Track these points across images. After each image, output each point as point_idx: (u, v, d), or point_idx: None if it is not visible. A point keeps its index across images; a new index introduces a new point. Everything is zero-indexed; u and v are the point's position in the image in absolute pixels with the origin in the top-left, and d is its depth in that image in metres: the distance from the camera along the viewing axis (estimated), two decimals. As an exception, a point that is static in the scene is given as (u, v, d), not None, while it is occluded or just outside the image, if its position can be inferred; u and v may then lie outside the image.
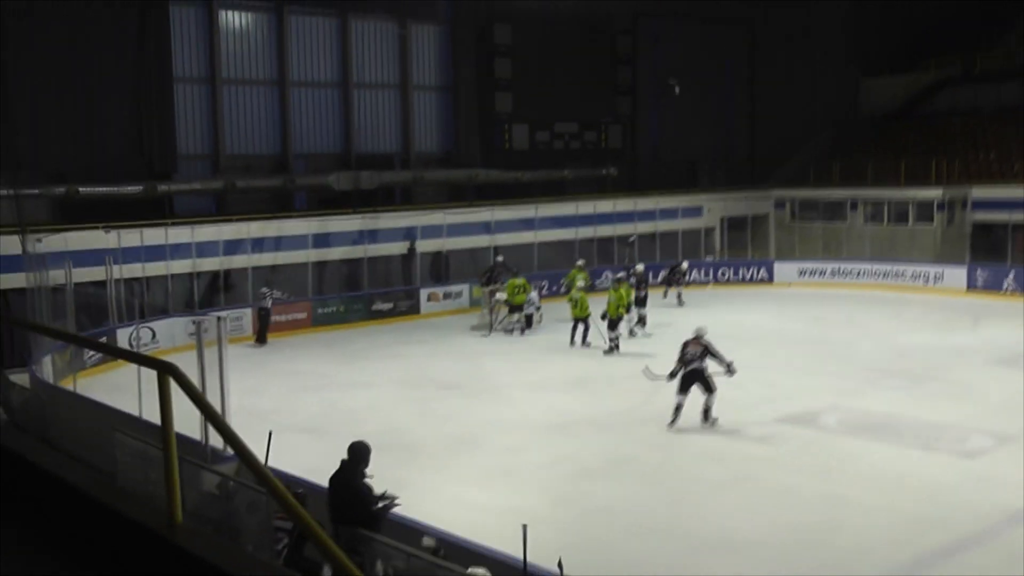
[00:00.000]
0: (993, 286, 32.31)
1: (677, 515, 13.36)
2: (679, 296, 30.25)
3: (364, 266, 31.26)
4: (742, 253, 39.10)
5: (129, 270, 26.23)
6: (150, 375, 4.04)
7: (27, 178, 26.96)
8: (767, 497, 14.06)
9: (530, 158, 37.78)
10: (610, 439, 16.97)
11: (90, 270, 25.02)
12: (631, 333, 26.34)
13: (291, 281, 29.52)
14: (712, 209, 39.64)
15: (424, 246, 32.25)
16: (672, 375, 17.83)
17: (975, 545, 12.28)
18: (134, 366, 8.42)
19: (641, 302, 27.60)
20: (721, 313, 26.47)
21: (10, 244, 24.28)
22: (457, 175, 36.26)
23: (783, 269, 36.55)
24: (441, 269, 32.81)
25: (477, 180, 36.17)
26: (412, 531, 10.33)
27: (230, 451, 11.65)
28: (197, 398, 3.82)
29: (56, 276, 23.11)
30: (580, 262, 30.45)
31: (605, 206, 36.59)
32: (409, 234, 32.10)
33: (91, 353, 21.95)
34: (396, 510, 10.24)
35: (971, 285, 32.85)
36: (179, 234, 27.59)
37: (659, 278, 31.93)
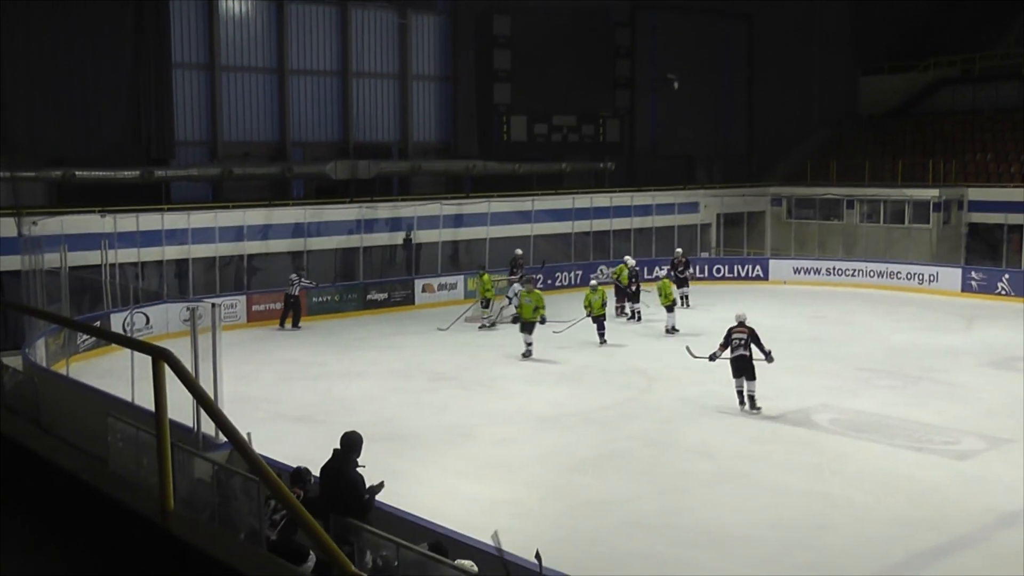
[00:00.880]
0: (988, 288, 32.34)
1: (668, 510, 13.38)
2: (686, 298, 29.87)
3: (360, 256, 31.24)
4: (738, 250, 39.13)
5: (124, 255, 26.21)
6: (143, 360, 4.04)
7: (24, 161, 26.95)
8: (758, 495, 14.09)
9: (528, 150, 37.75)
10: (603, 433, 17.00)
11: (85, 254, 25.01)
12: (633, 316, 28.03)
13: (287, 269, 29.49)
14: (709, 205, 39.66)
15: (420, 237, 32.23)
16: (712, 357, 18.67)
17: (965, 546, 12.32)
18: (127, 351, 8.40)
19: (634, 296, 27.85)
20: (716, 310, 26.47)
21: (6, 227, 24.29)
22: (455, 166, 36.24)
23: (778, 267, 36.56)
24: (437, 260, 32.79)
25: (474, 171, 36.15)
26: (403, 522, 10.35)
27: (222, 438, 11.67)
28: (191, 384, 3.82)
29: (51, 259, 23.12)
30: (628, 259, 30.00)
31: (602, 200, 36.58)
32: (406, 225, 32.08)
33: (84, 337, 21.93)
34: (388, 501, 10.28)
35: (966, 286, 32.88)
36: (175, 220, 27.57)
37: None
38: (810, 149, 43.01)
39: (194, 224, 27.79)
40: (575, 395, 19.89)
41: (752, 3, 43.09)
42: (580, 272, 35.04)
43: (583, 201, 36.20)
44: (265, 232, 29.57)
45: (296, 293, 27.45)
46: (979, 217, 36.15)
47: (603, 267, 33.43)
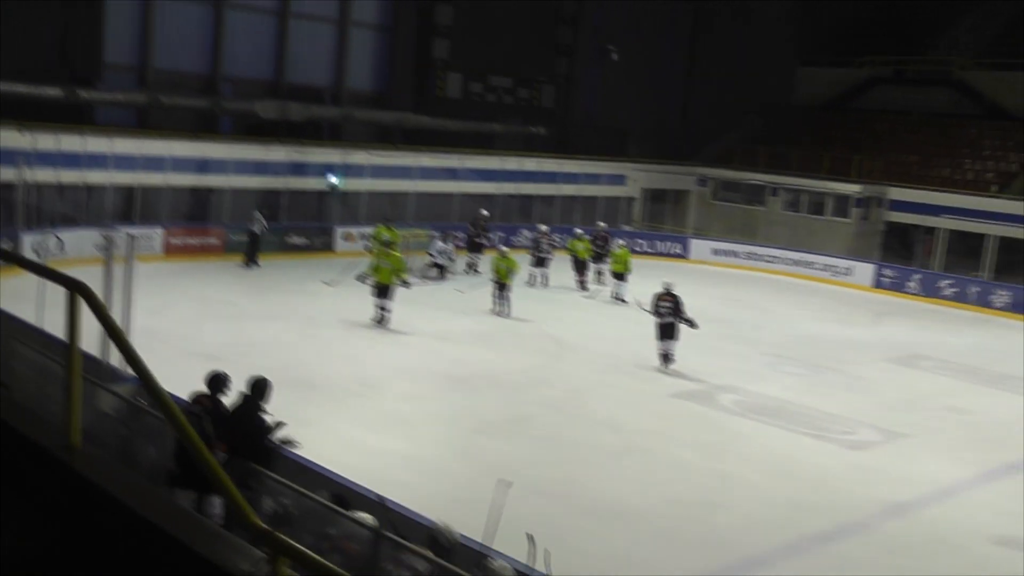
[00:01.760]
0: (898, 286, 33.08)
1: (569, 479, 13.54)
2: (600, 274, 29.84)
3: (284, 198, 30.91)
4: (660, 226, 39.47)
5: (42, 175, 25.60)
6: (54, 286, 3.98)
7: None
8: (658, 470, 14.34)
9: (461, 108, 37.56)
10: (510, 397, 17.12)
11: (1, 170, 24.39)
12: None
13: (208, 206, 29.14)
14: (636, 179, 39.90)
15: (345, 185, 31.97)
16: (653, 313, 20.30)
17: (853, 533, 12.67)
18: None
19: (541, 262, 28.66)
20: (632, 284, 26.68)
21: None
22: (386, 117, 35.93)
23: (698, 246, 36.99)
24: (359, 209, 32.56)
25: (406, 124, 35.88)
26: (305, 470, 10.34)
27: (130, 371, 11.53)
28: (104, 317, 3.78)
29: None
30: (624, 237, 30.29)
31: (530, 164, 36.62)
32: (331, 171, 31.78)
33: (-7, 257, 21.41)
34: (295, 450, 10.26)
35: (878, 282, 33.59)
36: (97, 144, 26.95)
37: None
38: (742, 133, 43.36)
39: (117, 150, 27.21)
40: (486, 357, 19.97)
41: (699, -16, 43.24)
42: (502, 234, 35.07)
43: (512, 163, 36.19)
44: (189, 165, 29.06)
45: (256, 231, 27.86)
46: (898, 216, 36.84)
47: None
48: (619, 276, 27.11)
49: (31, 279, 13.78)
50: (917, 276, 33.11)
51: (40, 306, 13.73)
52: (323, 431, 13.57)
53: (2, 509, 3.38)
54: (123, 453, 9.73)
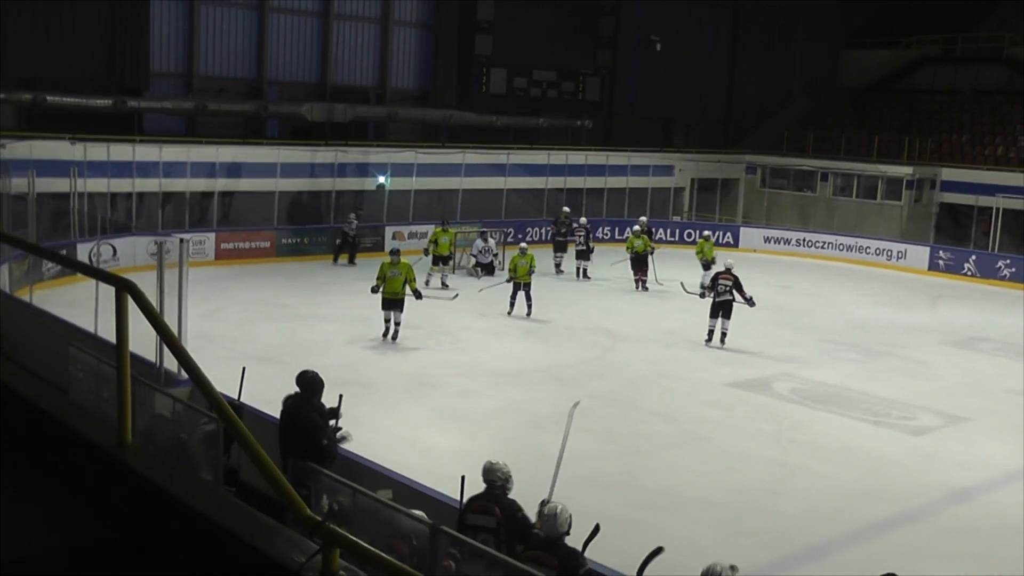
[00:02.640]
0: (954, 268, 32.61)
1: (625, 470, 13.46)
2: (559, 265, 29.50)
3: (332, 199, 31.07)
4: (710, 216, 39.22)
5: (94, 184, 25.92)
6: (108, 292, 3.99)
7: (-6, 82, 26.54)
8: (716, 459, 14.21)
9: (506, 103, 37.52)
10: (565, 391, 17.00)
11: (54, 180, 24.71)
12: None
13: (257, 209, 29.35)
14: (684, 169, 39.67)
15: (393, 184, 32.07)
16: (702, 295, 21.61)
17: (915, 520, 12.49)
18: (92, 281, 8.30)
19: (581, 254, 28.56)
20: (684, 274, 26.50)
21: (-27, 148, 23.91)
22: (432, 114, 35.99)
23: (749, 234, 36.70)
24: (409, 208, 32.64)
25: (451, 121, 35.93)
26: (362, 468, 10.35)
27: (184, 374, 11.61)
28: (154, 318, 3.78)
29: (19, 184, 22.80)
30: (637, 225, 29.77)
31: (577, 158, 36.53)
32: (379, 171, 31.90)
33: (49, 265, 21.72)
34: (348, 447, 10.28)
35: (933, 265, 33.13)
36: (147, 152, 27.26)
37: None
38: (788, 119, 43.02)
39: (166, 158, 27.50)
40: (539, 351, 19.92)
41: (740, -31, 42.91)
42: (551, 228, 35.01)
43: (558, 157, 36.14)
44: (238, 170, 29.30)
45: (353, 232, 28.45)
46: (951, 197, 36.36)
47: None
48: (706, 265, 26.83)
49: (87, 289, 13.92)
50: (973, 257, 32.61)
51: (96, 313, 13.95)
52: (378, 430, 13.59)
53: (58, 505, 3.39)
54: (179, 454, 9.78)
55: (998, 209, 33.84)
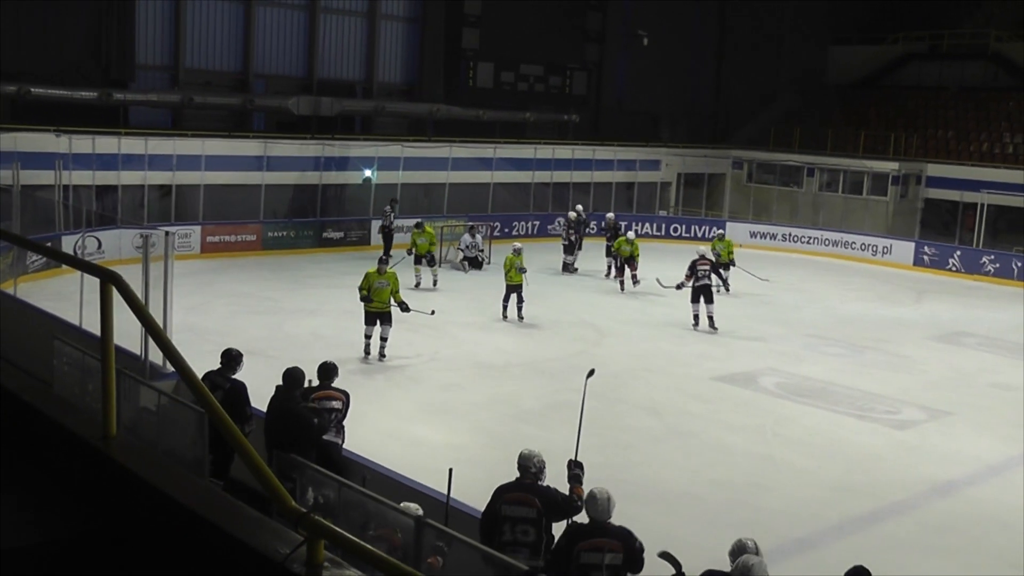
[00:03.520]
0: (939, 263, 32.71)
1: (610, 464, 13.46)
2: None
3: (318, 193, 31.02)
4: (696, 211, 39.26)
5: (79, 177, 25.84)
6: (93, 284, 3.98)
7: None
8: (701, 453, 14.25)
9: (493, 97, 37.50)
10: (549, 384, 17.07)
11: (38, 172, 24.63)
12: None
13: (243, 203, 29.28)
14: (670, 164, 39.71)
15: (380, 178, 32.03)
16: (679, 287, 22.00)
17: (899, 513, 12.54)
18: (77, 274, 8.28)
19: (568, 249, 28.30)
20: (670, 269, 26.54)
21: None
22: (418, 108, 35.95)
23: (735, 230, 36.71)
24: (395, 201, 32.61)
25: (438, 115, 35.89)
26: (346, 461, 10.37)
27: (170, 367, 11.61)
28: (139, 310, 3.77)
29: (3, 176, 22.74)
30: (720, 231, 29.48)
31: (564, 152, 36.54)
32: (365, 164, 31.86)
33: (34, 257, 21.64)
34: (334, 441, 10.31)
35: (918, 260, 33.25)
36: (132, 145, 27.17)
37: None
38: (775, 115, 43.11)
39: (152, 150, 27.41)
40: (524, 345, 19.94)
41: (727, -36, 42.95)
42: (537, 223, 35.07)
43: (545, 152, 36.14)
44: (223, 163, 29.22)
45: (388, 224, 28.31)
46: (936, 193, 36.50)
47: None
48: (725, 266, 26.22)
49: (72, 282, 13.85)
50: (958, 253, 32.74)
51: (81, 306, 13.92)
52: (363, 423, 13.58)
53: (42, 498, 3.39)
54: (164, 446, 9.78)
55: (983, 205, 33.99)
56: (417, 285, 24.42)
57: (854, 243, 34.80)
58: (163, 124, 30.51)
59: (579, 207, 30.33)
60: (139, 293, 8.48)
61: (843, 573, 7.37)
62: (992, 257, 32.00)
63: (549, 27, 38.67)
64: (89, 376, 10.88)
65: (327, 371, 10.66)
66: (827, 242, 35.32)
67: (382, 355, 17.85)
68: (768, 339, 21.37)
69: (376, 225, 31.20)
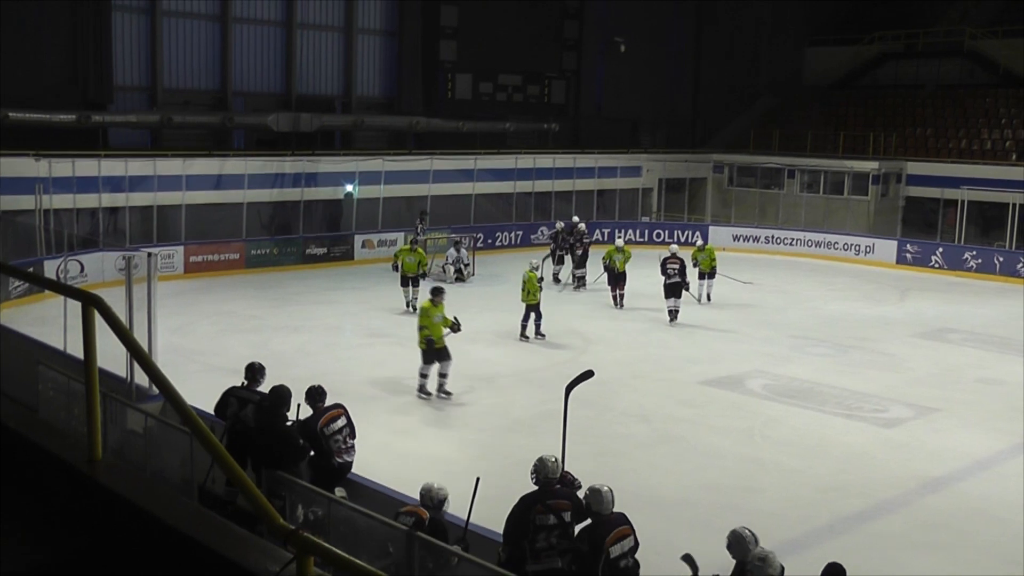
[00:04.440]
0: (922, 261, 32.87)
1: (600, 471, 13.40)
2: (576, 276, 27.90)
3: (300, 209, 30.98)
4: (678, 216, 39.34)
5: (59, 200, 25.74)
6: (77, 309, 3.97)
7: (-45, 101, 26.29)
8: (691, 458, 14.27)
9: (472, 108, 37.52)
10: (538, 394, 17.05)
11: (18, 198, 24.55)
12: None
13: (225, 221, 29.20)
14: (651, 169, 39.79)
15: (361, 192, 32.00)
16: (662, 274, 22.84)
17: (889, 511, 12.57)
18: (60, 298, 8.24)
19: (581, 262, 27.68)
20: (654, 274, 26.60)
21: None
22: (398, 122, 35.94)
23: (718, 233, 36.82)
24: (378, 216, 32.58)
25: (418, 128, 35.89)
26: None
27: (156, 389, 11.57)
28: (122, 333, 3.76)
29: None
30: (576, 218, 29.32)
31: (545, 161, 36.58)
32: (347, 179, 31.83)
33: (16, 283, 21.55)
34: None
35: (901, 258, 33.39)
36: (113, 167, 27.07)
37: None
38: (754, 117, 43.27)
39: (132, 172, 27.33)
40: (511, 355, 19.93)
41: (701, -31, 43.12)
42: (520, 232, 35.10)
43: (526, 161, 36.16)
44: (204, 182, 29.13)
45: (422, 237, 27.81)
46: (916, 191, 36.68)
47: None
48: (708, 275, 25.61)
49: (55, 306, 13.80)
50: (940, 250, 32.90)
51: (64, 330, 13.86)
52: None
53: (28, 523, 3.37)
54: (152, 468, 9.75)
55: (963, 201, 34.17)
56: (409, 306, 23.43)
57: (836, 243, 34.94)
58: (143, 145, 30.42)
59: (575, 218, 29.95)
60: (123, 316, 8.46)
61: (819, 572, 7.47)
62: (974, 253, 32.17)
63: (526, 36, 38.74)
64: (74, 400, 10.85)
65: (319, 394, 10.58)
66: (810, 243, 35.45)
67: (440, 390, 16.75)
68: (754, 341, 21.42)
69: (359, 240, 31.18)
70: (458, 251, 28.37)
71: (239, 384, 10.61)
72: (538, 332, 21.20)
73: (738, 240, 36.29)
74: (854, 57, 43.53)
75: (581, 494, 8.33)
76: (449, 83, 37.17)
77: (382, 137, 36.46)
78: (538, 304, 21.15)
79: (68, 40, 28.97)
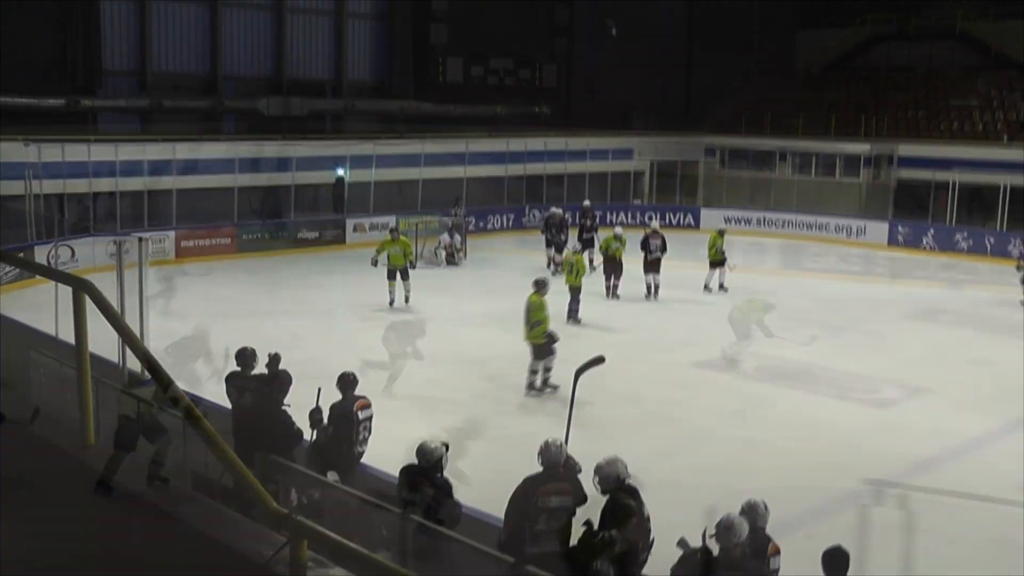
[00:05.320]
0: (913, 242, 32.91)
1: (592, 453, 13.43)
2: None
3: (291, 193, 30.89)
4: (670, 199, 39.29)
5: (49, 185, 25.64)
6: (68, 294, 3.96)
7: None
8: (682, 439, 14.29)
9: (463, 92, 37.47)
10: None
11: (8, 183, 24.46)
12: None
13: (217, 206, 29.12)
14: (643, 152, 39.73)
15: (352, 176, 31.92)
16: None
17: (880, 492, 12.56)
18: (51, 284, 8.21)
19: (550, 244, 27.48)
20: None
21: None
22: (389, 105, 35.87)
23: (710, 216, 36.80)
24: (369, 200, 32.51)
25: (409, 111, 35.81)
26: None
27: (148, 375, 11.54)
28: (113, 318, 3.75)
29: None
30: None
31: (536, 144, 36.48)
32: (338, 163, 31.75)
33: (7, 269, 21.49)
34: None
35: (892, 240, 33.42)
36: (102, 152, 26.96)
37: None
38: (746, 100, 43.18)
39: (122, 156, 27.22)
40: (504, 338, 19.83)
41: (693, -48, 43.00)
42: (512, 216, 35.05)
43: (517, 144, 36.06)
44: (195, 167, 29.04)
45: (461, 223, 27.89)
46: (908, 173, 36.65)
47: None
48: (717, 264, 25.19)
49: (46, 292, 13.76)
50: (931, 231, 32.94)
51: (56, 316, 13.80)
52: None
53: (24, 509, 3.37)
54: (146, 453, 9.74)
55: (954, 183, 34.13)
56: (391, 304, 22.63)
57: (828, 225, 34.97)
58: (132, 129, 30.30)
59: (586, 202, 29.47)
60: (114, 301, 8.43)
61: (821, 553, 7.47)
62: (965, 234, 32.21)
63: (517, 20, 38.65)
64: (67, 386, 10.81)
65: (352, 381, 10.59)
66: (801, 225, 35.47)
67: (545, 385, 16.52)
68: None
69: (351, 224, 31.12)
70: (451, 236, 28.32)
71: (236, 371, 10.56)
72: (575, 318, 21.10)
73: (730, 222, 36.12)
74: (846, 39, 43.46)
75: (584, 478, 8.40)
76: (440, 67, 37.12)
77: (373, 121, 36.38)
78: (579, 288, 21.11)
79: (56, 25, 28.88)
